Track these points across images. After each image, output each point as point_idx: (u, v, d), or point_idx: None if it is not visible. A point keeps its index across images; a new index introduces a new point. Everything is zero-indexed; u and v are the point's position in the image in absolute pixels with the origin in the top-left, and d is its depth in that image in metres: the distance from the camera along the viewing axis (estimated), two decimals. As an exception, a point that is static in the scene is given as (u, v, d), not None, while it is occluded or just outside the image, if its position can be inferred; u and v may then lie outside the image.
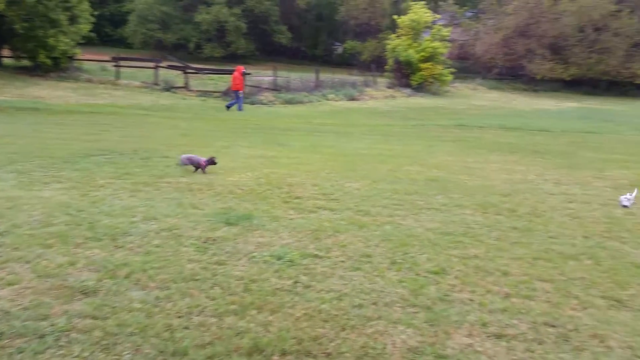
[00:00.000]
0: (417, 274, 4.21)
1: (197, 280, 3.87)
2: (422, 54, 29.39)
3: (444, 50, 30.58)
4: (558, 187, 7.81)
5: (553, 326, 3.43)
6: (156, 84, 23.15)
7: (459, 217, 6.00)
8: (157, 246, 4.55)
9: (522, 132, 15.41)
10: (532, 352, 3.11)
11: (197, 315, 3.35)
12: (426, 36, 30.79)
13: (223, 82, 24.86)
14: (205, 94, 22.68)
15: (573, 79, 37.41)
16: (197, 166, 7.52)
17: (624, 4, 36.12)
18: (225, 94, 22.18)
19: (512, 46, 37.62)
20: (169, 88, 22.72)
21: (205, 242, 4.68)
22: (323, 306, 3.55)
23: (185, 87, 23.21)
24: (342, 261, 4.41)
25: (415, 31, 30.43)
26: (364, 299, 3.69)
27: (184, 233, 4.89)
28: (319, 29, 53.33)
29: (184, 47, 43.67)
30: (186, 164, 7.60)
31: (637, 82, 36.64)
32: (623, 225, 5.92)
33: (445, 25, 32.97)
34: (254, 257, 4.38)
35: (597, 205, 6.82)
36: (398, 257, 4.59)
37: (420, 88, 29.55)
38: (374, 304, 3.63)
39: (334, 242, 4.87)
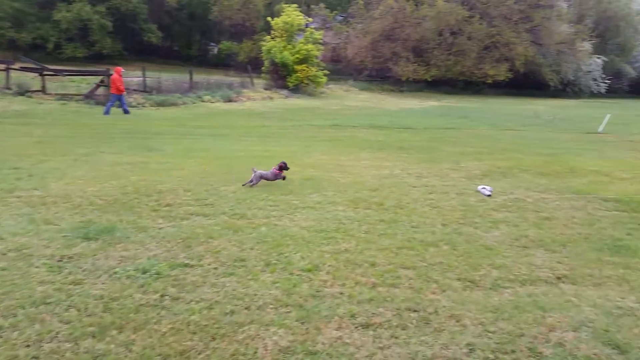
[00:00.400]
0: (290, 274, 4.24)
1: (49, 303, 3.50)
2: (297, 56, 29.98)
3: (317, 53, 31.44)
4: (420, 180, 8.39)
5: (415, 311, 3.66)
6: (8, 88, 20.69)
7: (332, 214, 6.16)
8: (3, 269, 4.05)
9: (389, 130, 16.34)
10: (397, 338, 3.28)
11: (49, 342, 3.03)
12: (300, 39, 31.43)
13: (86, 84, 23.03)
14: (65, 97, 20.76)
15: (434, 80, 40.81)
16: (275, 178, 7.43)
17: (475, 11, 40.17)
18: (87, 97, 20.54)
19: (379, 49, 39.92)
20: (23, 92, 20.42)
21: (59, 261, 4.26)
22: (192, 317, 3.41)
23: (42, 90, 21.04)
24: (215, 268, 4.29)
25: (289, 33, 30.91)
26: (236, 305, 3.62)
27: (35, 252, 4.41)
28: (192, 29, 51.82)
29: (41, 48, 39.74)
30: (257, 180, 7.37)
31: (488, 81, 41.03)
32: (476, 212, 6.51)
33: (317, 29, 33.97)
34: (115, 272, 4.08)
35: (454, 195, 7.43)
36: (273, 258, 4.59)
37: (296, 89, 30.09)
38: (247, 308, 3.58)
39: (206, 249, 4.72)
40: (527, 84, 44.59)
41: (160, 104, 21.16)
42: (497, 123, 19.83)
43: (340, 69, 43.73)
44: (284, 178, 7.58)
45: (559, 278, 4.42)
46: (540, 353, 3.16)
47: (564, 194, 7.66)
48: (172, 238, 4.98)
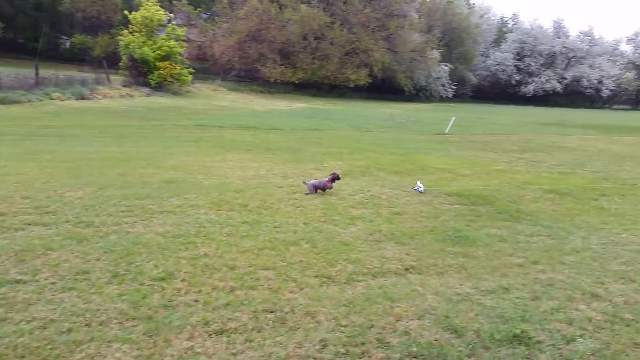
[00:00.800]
0: (141, 284, 3.96)
1: None
2: (158, 52, 28.61)
3: (181, 50, 30.32)
4: (285, 180, 8.47)
5: (272, 312, 3.64)
6: None
7: (192, 217, 5.93)
8: None
9: (257, 131, 16.32)
10: (251, 341, 3.22)
11: None
12: (161, 34, 30.05)
13: None
14: None
15: (301, 82, 41.78)
16: (324, 188, 7.59)
17: (336, 17, 41.89)
18: None
19: (246, 50, 39.74)
20: None
21: None
22: (21, 340, 3.01)
23: None
24: (52, 283, 3.86)
25: (149, 28, 29.39)
26: (75, 322, 3.28)
27: None
28: (39, 20, 46.83)
29: None
30: (312, 191, 7.53)
31: (351, 85, 43.04)
32: (336, 209, 6.73)
33: (180, 25, 32.76)
34: None
35: (317, 194, 7.61)
36: (121, 268, 4.26)
37: (159, 87, 28.72)
38: (87, 325, 3.26)
39: (44, 262, 4.23)
40: (385, 88, 47.75)
41: (0, 102, 18.72)
42: (358, 125, 20.86)
43: (208, 67, 42.76)
44: (330, 188, 7.69)
45: (407, 269, 4.73)
46: (387, 343, 3.33)
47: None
48: (3, 252, 4.39)
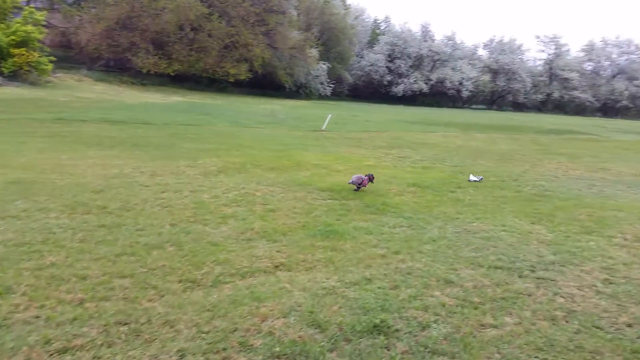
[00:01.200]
0: (-31, 302, 3.44)
1: None
2: (13, 37, 25.74)
3: (40, 36, 27.49)
4: (153, 179, 8.00)
5: (126, 324, 3.36)
6: None
7: (40, 222, 5.34)
8: None
9: (125, 126, 15.27)
10: (100, 358, 2.94)
11: None
12: (17, 18, 27.02)
13: None
14: None
15: (178, 75, 40.08)
16: (360, 184, 7.97)
17: (214, 8, 40.76)
18: None
19: (116, 38, 37.09)
20: None
21: None
22: None
23: None
24: None
25: (2, 10, 26.29)
26: None
27: None
28: None
29: None
30: (355, 182, 7.94)
31: (230, 80, 42.24)
32: (207, 209, 6.50)
33: (41, 9, 29.72)
34: None
35: (188, 193, 7.30)
36: (-54, 285, 3.66)
37: (14, 77, 25.83)
38: None
39: None
40: (266, 84, 47.66)
41: None
42: (237, 120, 20.53)
43: (72, 56, 39.16)
44: (365, 186, 8.11)
45: (276, 266, 4.69)
46: (251, 345, 3.25)
47: (289, 186, 8.31)
48: None
